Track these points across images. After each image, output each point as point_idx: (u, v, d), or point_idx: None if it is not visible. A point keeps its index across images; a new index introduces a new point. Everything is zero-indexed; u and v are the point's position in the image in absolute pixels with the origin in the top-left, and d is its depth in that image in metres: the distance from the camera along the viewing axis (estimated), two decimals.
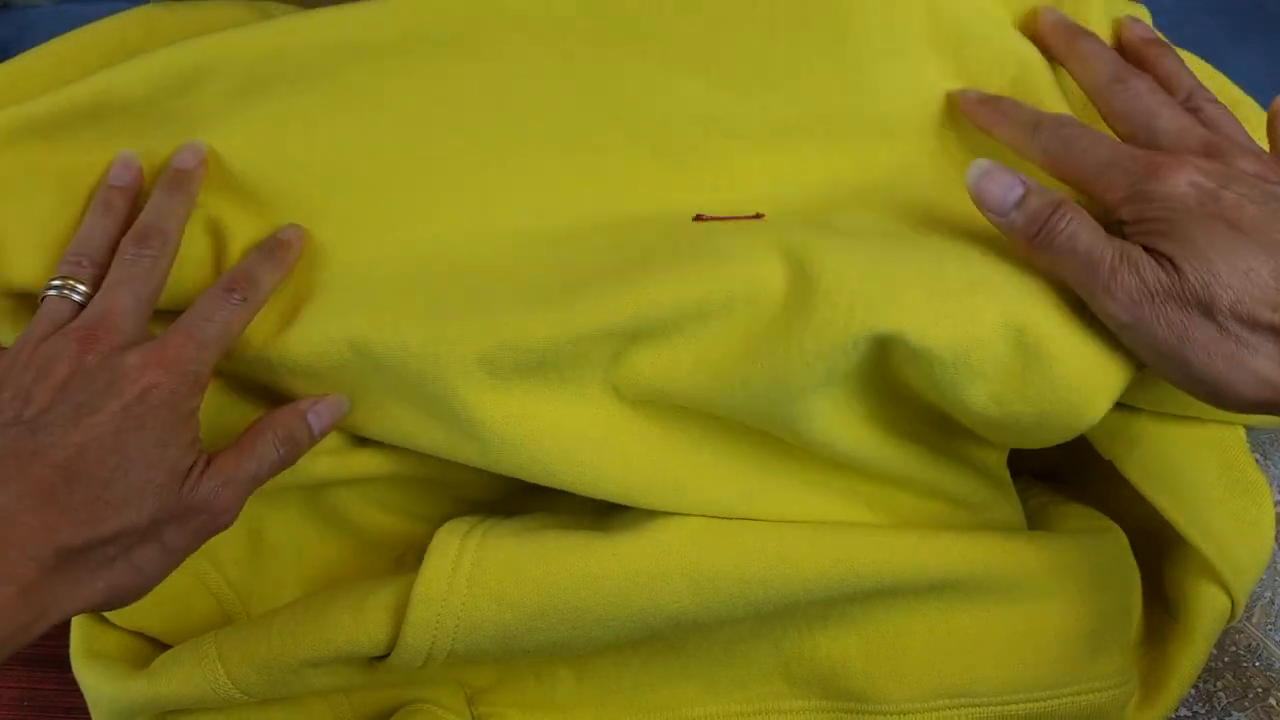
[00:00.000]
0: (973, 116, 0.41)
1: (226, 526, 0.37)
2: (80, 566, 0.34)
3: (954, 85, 0.43)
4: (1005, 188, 0.37)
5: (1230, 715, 0.50)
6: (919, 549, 0.39)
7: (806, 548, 0.39)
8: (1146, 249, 0.34)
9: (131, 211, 0.41)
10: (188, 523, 0.36)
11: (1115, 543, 0.44)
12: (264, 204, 0.42)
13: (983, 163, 0.38)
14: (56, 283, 0.39)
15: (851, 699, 0.41)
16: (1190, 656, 0.44)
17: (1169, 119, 0.39)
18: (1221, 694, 0.50)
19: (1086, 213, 0.36)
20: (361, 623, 0.38)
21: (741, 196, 0.42)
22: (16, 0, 0.66)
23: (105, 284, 0.38)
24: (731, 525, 0.39)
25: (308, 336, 0.40)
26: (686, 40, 0.42)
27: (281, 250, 0.41)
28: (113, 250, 0.39)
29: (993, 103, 0.41)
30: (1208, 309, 0.33)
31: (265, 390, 0.43)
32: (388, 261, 0.42)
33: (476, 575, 0.38)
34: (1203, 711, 0.50)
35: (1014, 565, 0.40)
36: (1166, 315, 0.33)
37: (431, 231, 0.42)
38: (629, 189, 0.43)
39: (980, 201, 0.37)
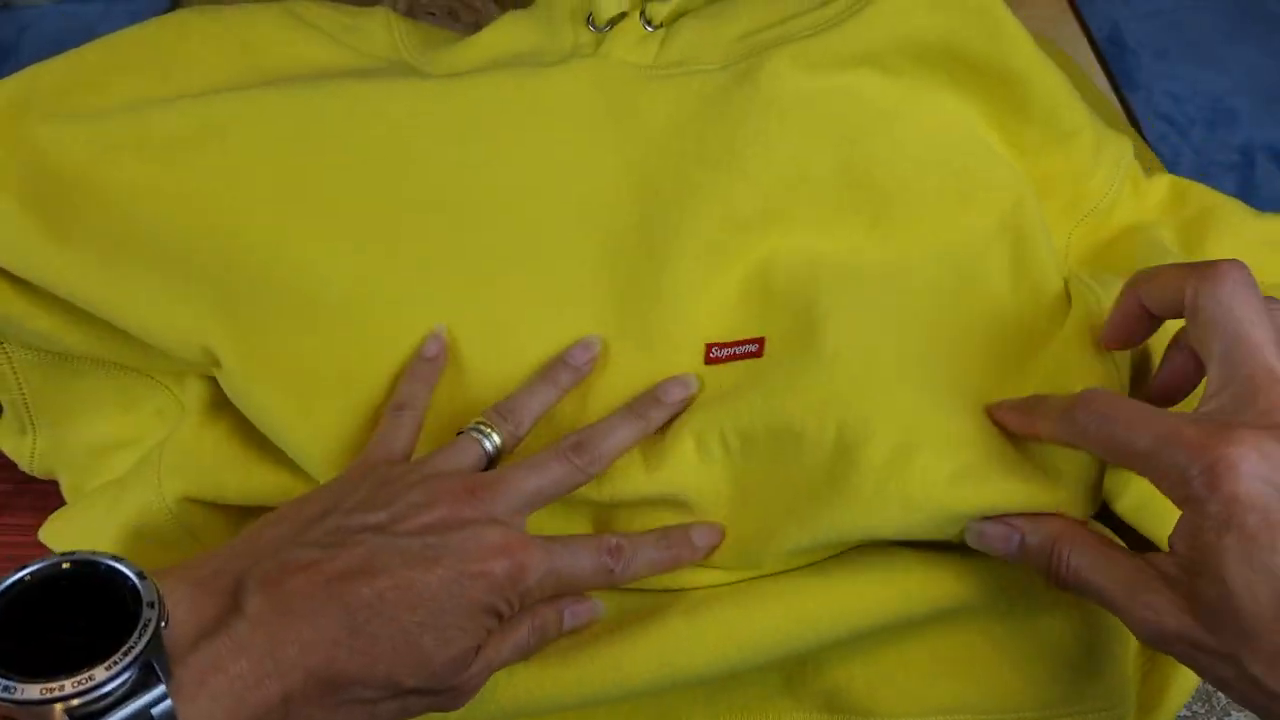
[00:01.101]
0: (1009, 426, 0.39)
1: (462, 705, 0.37)
2: (330, 697, 0.32)
3: (953, 198, 0.45)
4: (1003, 539, 0.37)
5: (1230, 715, 0.50)
6: (927, 581, 0.40)
7: (820, 604, 0.39)
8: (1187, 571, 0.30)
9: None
10: (439, 697, 0.35)
11: None
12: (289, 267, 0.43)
13: (975, 527, 0.37)
14: (482, 425, 0.40)
15: (854, 714, 0.41)
16: (1187, 671, 0.44)
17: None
18: (1221, 694, 0.50)
19: (1091, 536, 0.35)
20: None
21: (738, 273, 0.44)
22: (16, 1, 0.66)
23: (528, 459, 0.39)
24: (743, 603, 0.39)
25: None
26: (704, 139, 0.44)
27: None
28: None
29: (1023, 406, 0.38)
30: (1240, 666, 0.29)
31: None
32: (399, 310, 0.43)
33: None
34: (1202, 711, 0.50)
35: (1017, 584, 0.41)
36: (1192, 657, 0.31)
37: (447, 300, 0.44)
38: (641, 268, 0.44)
39: (991, 552, 0.37)
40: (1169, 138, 0.68)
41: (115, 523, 0.42)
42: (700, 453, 0.41)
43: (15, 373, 0.44)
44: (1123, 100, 0.68)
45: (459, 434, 0.40)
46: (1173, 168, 0.59)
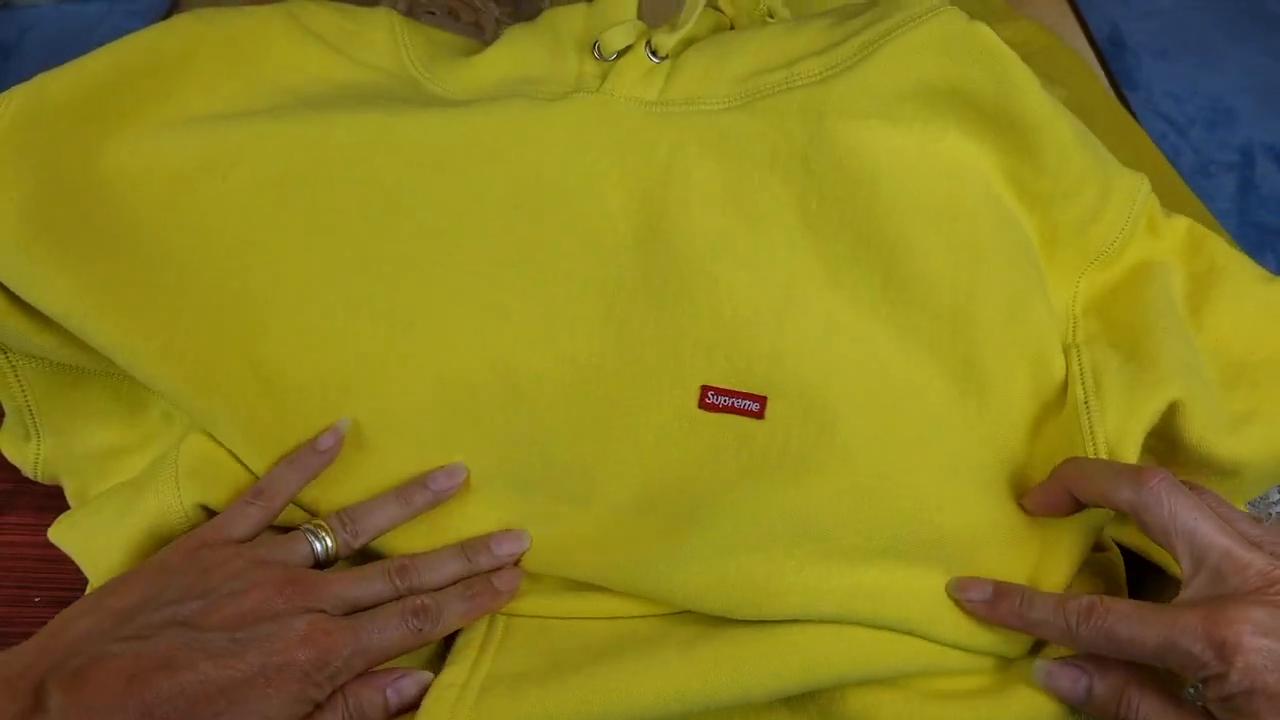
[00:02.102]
0: (993, 619, 0.39)
1: None
2: None
3: (964, 251, 0.44)
4: (1071, 681, 0.38)
5: None
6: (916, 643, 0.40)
7: (819, 645, 0.39)
8: None
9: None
10: None
11: (1113, 566, 0.44)
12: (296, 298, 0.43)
13: (1042, 665, 0.39)
14: (320, 527, 0.40)
15: None
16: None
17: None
18: None
19: (1159, 687, 0.37)
20: None
21: (743, 316, 0.43)
22: (17, 1, 0.67)
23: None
24: (733, 657, 0.39)
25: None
26: (708, 181, 0.44)
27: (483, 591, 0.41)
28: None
29: (1005, 602, 0.39)
30: None
31: None
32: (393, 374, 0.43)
33: (486, 688, 0.39)
34: None
35: (1022, 639, 0.41)
36: None
37: (447, 331, 0.43)
38: (641, 304, 0.44)
39: (1057, 696, 0.39)
40: (1169, 137, 0.68)
41: (129, 525, 0.42)
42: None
43: (19, 380, 0.44)
44: (1123, 100, 0.68)
45: (295, 528, 0.40)
46: (1173, 166, 0.59)
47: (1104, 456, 0.41)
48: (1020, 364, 0.43)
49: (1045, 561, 0.40)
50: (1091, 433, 0.41)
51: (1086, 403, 0.42)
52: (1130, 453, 0.41)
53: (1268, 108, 0.68)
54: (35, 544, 0.45)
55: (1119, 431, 0.41)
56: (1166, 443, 0.42)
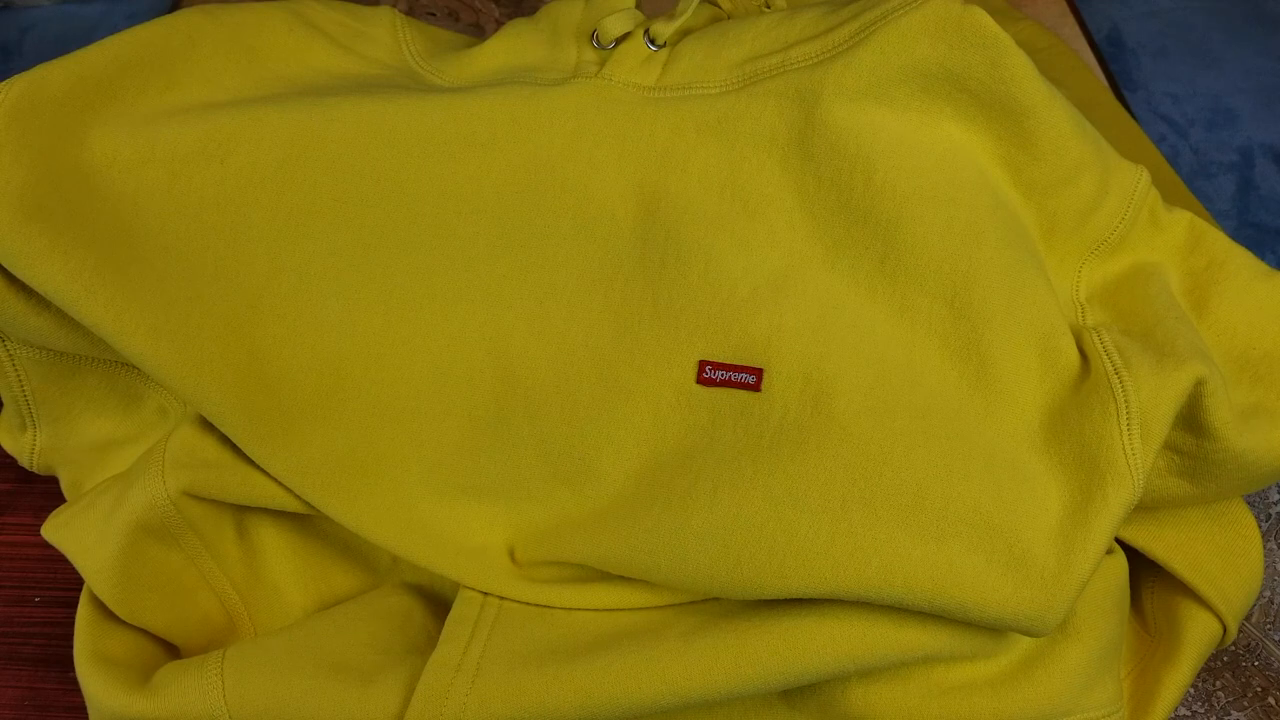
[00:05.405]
0: None
1: None
2: None
3: (962, 231, 0.44)
4: None
5: (1229, 714, 0.50)
6: (924, 628, 0.40)
7: (810, 650, 0.39)
8: None
9: None
10: None
11: (1118, 567, 0.44)
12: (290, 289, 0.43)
13: None
14: None
15: None
16: (1178, 679, 0.44)
17: None
18: (1220, 693, 0.50)
19: None
20: (368, 699, 0.39)
21: (742, 294, 0.43)
22: (17, 1, 0.67)
23: None
24: (734, 647, 0.39)
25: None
26: (707, 165, 0.45)
27: None
28: None
29: None
30: None
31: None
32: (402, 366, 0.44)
33: (482, 670, 0.39)
34: (1201, 710, 0.50)
35: (1020, 642, 0.41)
36: None
37: (443, 317, 0.44)
38: (640, 284, 0.44)
39: None
40: (1168, 138, 0.68)
41: (119, 520, 0.42)
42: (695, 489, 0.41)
43: (16, 369, 0.45)
44: (1122, 100, 0.68)
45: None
46: (1172, 166, 0.59)
47: (1136, 429, 0.40)
48: (1028, 346, 0.43)
49: None
50: (1126, 404, 0.40)
51: (1117, 373, 0.41)
52: (1161, 428, 0.40)
53: (1268, 108, 0.68)
54: (35, 544, 0.45)
55: (1152, 403, 0.40)
56: (1193, 433, 0.42)
